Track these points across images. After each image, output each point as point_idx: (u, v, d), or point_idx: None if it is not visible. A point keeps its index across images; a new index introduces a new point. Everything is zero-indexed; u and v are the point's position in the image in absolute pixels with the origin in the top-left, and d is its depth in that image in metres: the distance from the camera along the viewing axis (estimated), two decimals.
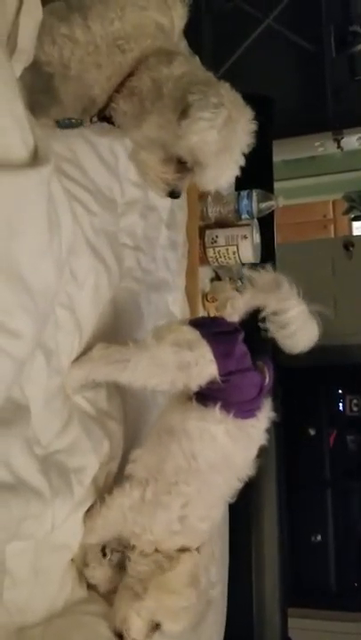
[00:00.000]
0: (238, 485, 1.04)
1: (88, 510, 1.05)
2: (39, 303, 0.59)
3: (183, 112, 0.78)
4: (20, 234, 0.54)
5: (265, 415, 1.03)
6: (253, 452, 1.03)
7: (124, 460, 1.19)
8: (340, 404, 3.14)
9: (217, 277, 1.79)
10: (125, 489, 1.03)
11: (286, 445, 2.98)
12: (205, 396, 1.00)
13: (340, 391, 3.16)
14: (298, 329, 1.03)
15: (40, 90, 0.88)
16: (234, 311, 1.05)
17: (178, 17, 0.90)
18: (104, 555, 1.08)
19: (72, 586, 1.07)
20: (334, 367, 3.23)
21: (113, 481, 1.16)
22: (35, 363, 0.89)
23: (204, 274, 1.71)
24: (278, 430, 2.54)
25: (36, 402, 0.90)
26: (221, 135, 0.79)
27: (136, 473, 1.05)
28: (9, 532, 0.72)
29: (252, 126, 0.85)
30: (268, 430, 1.05)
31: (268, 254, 1.78)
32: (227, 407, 0.98)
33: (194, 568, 0.97)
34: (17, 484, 0.74)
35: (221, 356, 0.98)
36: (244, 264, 1.67)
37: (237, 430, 0.99)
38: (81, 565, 1.09)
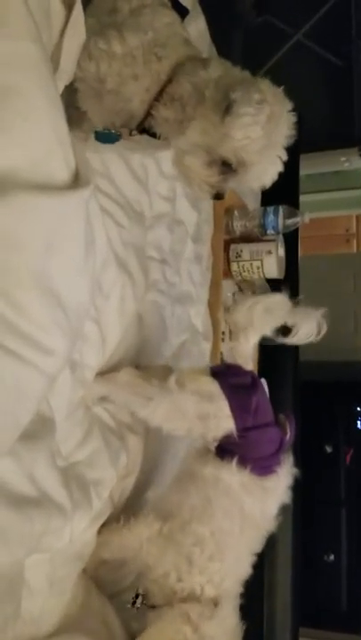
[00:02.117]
0: (258, 539, 1.02)
1: (106, 524, 1.05)
2: (72, 321, 0.60)
3: (226, 109, 0.78)
4: (57, 253, 0.54)
5: (286, 471, 1.02)
6: (273, 507, 1.02)
7: (142, 481, 1.20)
8: (358, 422, 3.10)
9: (240, 291, 1.79)
10: (148, 519, 1.02)
11: (302, 462, 2.95)
12: (224, 450, 1.01)
13: (358, 409, 3.13)
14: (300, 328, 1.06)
15: (72, 104, 0.89)
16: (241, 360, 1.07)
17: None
18: (133, 604, 1.06)
19: (83, 596, 1.07)
20: (354, 384, 3.20)
21: (128, 499, 1.16)
22: (61, 375, 0.90)
23: (228, 287, 1.71)
24: (294, 447, 2.52)
25: (60, 413, 0.90)
26: (265, 131, 0.79)
27: (160, 507, 1.05)
28: (30, 547, 0.73)
29: (293, 119, 0.85)
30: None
31: (292, 270, 1.78)
32: (244, 462, 0.98)
33: (178, 631, 0.89)
34: (41, 499, 0.74)
35: (239, 411, 0.98)
36: (268, 279, 1.67)
37: (254, 485, 0.99)
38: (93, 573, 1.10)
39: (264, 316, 1.06)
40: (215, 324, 1.56)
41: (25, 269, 0.52)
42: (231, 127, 0.78)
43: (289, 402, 2.26)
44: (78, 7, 0.69)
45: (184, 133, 0.82)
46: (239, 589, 1.04)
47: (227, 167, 0.83)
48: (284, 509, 2.26)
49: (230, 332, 1.60)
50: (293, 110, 2.12)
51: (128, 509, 1.16)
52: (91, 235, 0.59)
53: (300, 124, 2.30)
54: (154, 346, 1.23)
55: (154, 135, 0.88)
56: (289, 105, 0.84)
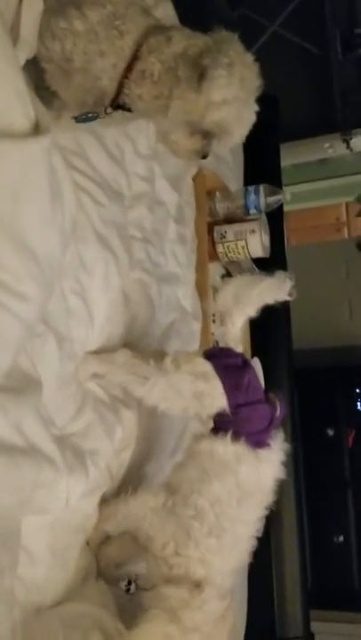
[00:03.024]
0: (257, 511, 1.05)
1: (108, 500, 1.10)
2: (45, 270, 0.62)
3: (200, 77, 0.82)
4: (24, 200, 0.57)
5: (278, 447, 1.06)
6: (269, 479, 1.06)
7: (139, 455, 1.22)
8: (358, 404, 3.13)
9: (228, 274, 1.81)
10: (154, 489, 1.08)
11: (305, 447, 2.98)
12: (218, 428, 1.06)
13: (357, 390, 3.15)
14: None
15: (42, 85, 0.92)
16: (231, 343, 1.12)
17: None
18: (127, 591, 1.10)
19: (86, 570, 1.10)
20: (350, 367, 3.23)
21: (127, 473, 1.19)
22: (46, 345, 0.93)
23: (215, 270, 1.74)
24: (295, 432, 2.55)
25: (49, 384, 0.93)
26: (240, 94, 0.84)
27: (169, 482, 1.09)
28: (21, 497, 0.75)
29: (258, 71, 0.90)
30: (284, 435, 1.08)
31: (278, 249, 1.80)
32: (237, 437, 1.02)
33: (164, 632, 0.89)
34: (29, 449, 0.76)
35: (231, 390, 1.03)
36: (253, 258, 1.69)
37: (248, 455, 1.03)
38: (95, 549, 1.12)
39: (241, 299, 1.11)
40: (204, 305, 1.59)
41: None
42: (209, 91, 0.82)
43: (284, 386, 2.28)
44: None
45: (166, 115, 0.86)
46: (245, 561, 1.06)
47: (208, 132, 0.89)
48: (286, 489, 2.28)
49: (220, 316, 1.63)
50: (273, 99, 2.16)
51: (127, 483, 1.19)
52: (57, 188, 0.62)
53: (278, 107, 2.34)
54: (143, 324, 1.26)
55: (129, 111, 0.91)
56: (253, 62, 0.88)
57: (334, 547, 2.91)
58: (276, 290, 1.09)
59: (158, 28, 0.88)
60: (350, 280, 3.57)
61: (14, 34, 0.68)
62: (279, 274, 1.09)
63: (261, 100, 0.94)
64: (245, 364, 1.08)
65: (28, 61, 0.84)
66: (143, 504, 1.05)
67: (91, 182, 1.08)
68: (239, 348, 1.11)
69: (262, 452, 1.04)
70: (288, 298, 1.09)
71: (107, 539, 1.14)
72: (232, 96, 0.83)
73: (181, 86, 0.86)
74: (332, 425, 3.10)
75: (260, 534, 1.06)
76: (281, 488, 2.19)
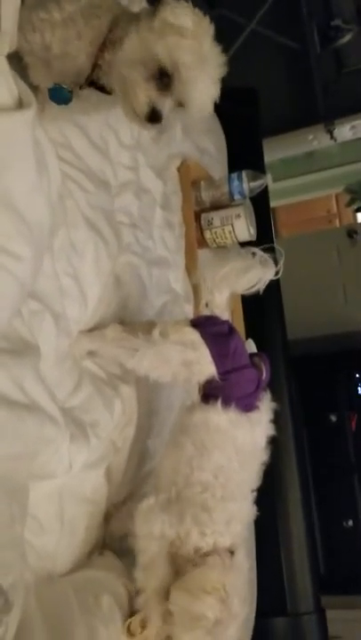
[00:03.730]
0: (256, 471, 1.09)
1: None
2: (35, 234, 0.68)
3: (157, 9, 0.85)
4: (11, 168, 0.63)
5: (266, 407, 1.11)
6: (262, 438, 1.10)
7: (142, 430, 1.27)
8: (359, 388, 3.17)
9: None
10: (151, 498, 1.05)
11: (308, 434, 3.02)
12: (207, 396, 1.10)
13: (357, 375, 3.19)
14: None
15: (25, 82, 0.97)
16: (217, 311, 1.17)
17: None
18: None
19: (96, 541, 1.15)
20: (349, 352, 3.27)
21: (131, 447, 1.24)
22: (44, 322, 0.99)
23: (205, 256, 1.79)
24: (296, 419, 2.59)
25: (48, 359, 0.98)
26: (194, 33, 0.84)
27: (160, 479, 1.09)
28: (27, 447, 0.80)
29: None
30: (282, 421, 1.12)
31: (265, 232, 1.86)
32: (228, 402, 1.06)
33: (218, 579, 0.92)
34: (32, 406, 0.82)
35: (219, 357, 1.07)
36: (241, 242, 1.75)
37: (241, 419, 1.07)
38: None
39: (234, 275, 1.15)
40: (195, 289, 1.64)
41: None
42: (164, 14, 0.84)
43: (281, 374, 2.32)
44: None
45: (122, 49, 0.87)
46: (250, 529, 1.09)
47: (164, 82, 0.87)
48: (292, 476, 2.31)
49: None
50: (256, 93, 2.19)
51: (132, 458, 1.24)
52: (42, 159, 0.68)
53: (257, 99, 2.40)
54: (135, 304, 1.31)
55: (102, 88, 0.94)
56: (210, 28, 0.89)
57: (344, 531, 2.94)
58: (264, 274, 1.14)
59: (130, 13, 0.94)
60: (343, 267, 3.61)
61: None
62: (265, 255, 1.13)
63: (241, 93, 0.97)
64: (231, 331, 1.12)
65: (9, 59, 0.90)
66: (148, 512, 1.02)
67: (77, 171, 1.14)
68: (225, 316, 1.16)
69: (253, 415, 1.09)
70: (276, 277, 1.13)
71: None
72: (187, 28, 0.84)
73: (140, 21, 0.88)
74: (335, 410, 3.13)
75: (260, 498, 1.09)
76: (288, 475, 2.24)
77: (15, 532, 0.78)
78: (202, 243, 1.76)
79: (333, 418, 3.16)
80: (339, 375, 3.24)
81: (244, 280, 1.15)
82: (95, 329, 1.16)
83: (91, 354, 1.15)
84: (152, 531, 0.99)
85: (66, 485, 1.03)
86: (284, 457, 2.21)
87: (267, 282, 1.15)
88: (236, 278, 1.15)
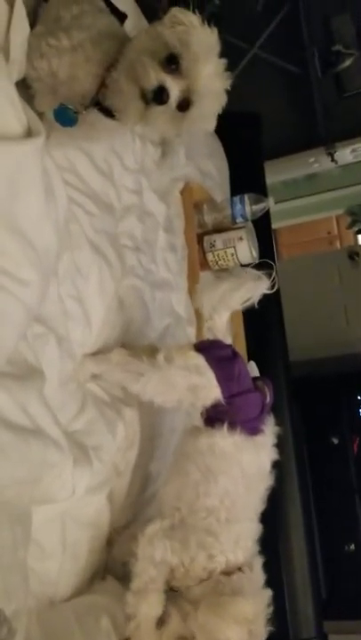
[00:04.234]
0: (262, 495, 1.09)
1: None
2: (42, 259, 0.69)
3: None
4: (20, 195, 0.64)
5: (271, 431, 1.11)
6: (267, 462, 1.10)
7: (145, 454, 1.27)
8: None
9: None
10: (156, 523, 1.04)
11: (310, 456, 3.00)
12: (212, 419, 1.09)
13: (359, 398, 3.18)
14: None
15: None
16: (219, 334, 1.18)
17: None
18: None
19: (98, 565, 1.14)
20: (351, 375, 3.26)
21: (134, 471, 1.23)
22: (48, 345, 0.99)
23: (207, 279, 1.80)
24: (298, 441, 2.58)
25: (52, 382, 0.98)
26: (203, 34, 0.85)
27: (164, 505, 1.09)
28: (32, 471, 0.80)
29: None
30: (284, 443, 1.13)
31: (267, 254, 1.87)
32: (233, 426, 1.06)
33: (252, 611, 0.91)
34: (36, 430, 0.82)
35: (224, 381, 1.07)
36: (243, 264, 1.76)
37: (247, 443, 1.06)
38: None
39: (225, 299, 1.17)
40: (197, 311, 1.64)
41: None
42: (173, 12, 0.85)
43: (283, 397, 2.32)
44: (18, 2, 0.80)
45: (132, 45, 0.87)
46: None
47: (174, 67, 0.85)
48: (294, 500, 2.29)
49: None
50: (258, 118, 2.21)
51: (134, 482, 1.24)
52: (50, 186, 0.69)
53: (260, 124, 2.43)
54: (138, 327, 1.31)
55: (107, 111, 0.94)
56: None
57: (346, 555, 2.90)
58: (257, 289, 1.15)
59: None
60: (344, 288, 3.62)
61: (4, 54, 0.76)
62: (255, 272, 1.15)
63: (243, 117, 0.98)
64: (235, 355, 1.13)
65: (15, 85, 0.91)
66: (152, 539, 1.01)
67: (82, 195, 1.15)
68: (228, 340, 1.16)
69: (258, 439, 1.08)
70: (269, 291, 1.14)
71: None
72: (195, 24, 0.84)
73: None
74: (337, 433, 3.11)
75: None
76: (289, 498, 2.21)
77: (18, 558, 0.77)
78: (204, 265, 1.77)
79: (335, 440, 3.13)
80: (341, 398, 3.22)
81: (237, 296, 1.16)
82: (99, 352, 1.17)
83: (95, 377, 1.15)
84: (153, 555, 0.98)
85: (68, 510, 1.02)
86: (286, 479, 2.19)
87: (260, 295, 1.16)
88: (230, 296, 1.16)
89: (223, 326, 1.19)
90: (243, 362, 1.14)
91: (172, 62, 0.85)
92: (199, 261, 1.72)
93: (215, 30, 0.90)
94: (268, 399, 1.12)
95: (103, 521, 1.15)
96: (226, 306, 1.17)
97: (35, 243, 0.67)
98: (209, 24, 0.90)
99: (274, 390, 1.16)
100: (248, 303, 1.17)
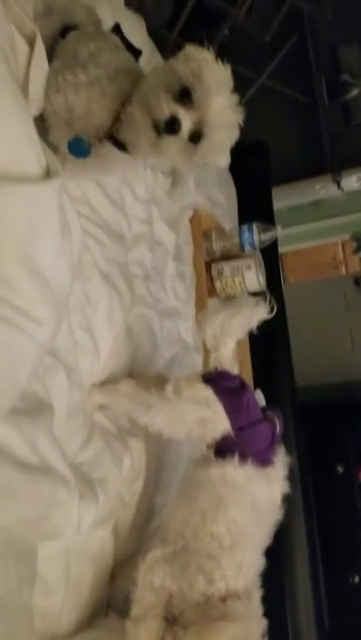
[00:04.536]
0: (270, 528, 1.07)
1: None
2: (57, 297, 0.69)
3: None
4: (38, 234, 0.64)
5: (281, 462, 1.10)
6: (278, 495, 1.08)
7: (150, 485, 1.26)
8: None
9: None
10: (158, 550, 1.03)
11: (315, 484, 2.96)
12: (223, 451, 1.08)
13: None
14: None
15: (45, 142, 0.99)
16: (226, 365, 1.17)
17: None
18: None
19: (101, 602, 1.11)
20: (357, 401, 3.24)
21: (139, 503, 1.22)
22: (57, 377, 0.99)
23: (214, 305, 1.80)
24: (305, 470, 2.55)
25: (60, 414, 0.98)
26: (216, 66, 0.86)
27: (168, 533, 1.07)
28: (40, 511, 0.79)
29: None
30: (291, 472, 1.12)
31: (274, 282, 1.87)
32: (244, 457, 1.05)
33: (240, 634, 0.89)
34: (44, 467, 0.81)
35: (233, 413, 1.07)
36: (251, 292, 1.76)
37: (258, 474, 1.05)
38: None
39: (227, 328, 1.17)
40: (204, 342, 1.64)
41: (13, 251, 0.62)
42: (187, 49, 0.86)
43: (289, 422, 2.31)
44: (39, 42, 0.81)
45: (145, 78, 0.88)
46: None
47: (186, 100, 0.86)
48: (298, 529, 2.26)
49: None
50: (267, 148, 2.24)
51: (140, 513, 1.22)
52: (66, 223, 0.69)
53: (268, 153, 2.46)
54: (146, 355, 1.31)
55: (120, 144, 0.95)
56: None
57: (350, 587, 2.85)
58: (255, 314, 1.15)
59: None
60: (350, 314, 3.63)
61: (23, 91, 0.77)
62: (252, 298, 1.16)
63: (252, 147, 0.98)
64: (243, 386, 1.12)
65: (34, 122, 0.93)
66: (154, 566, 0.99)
67: (94, 225, 1.16)
68: (235, 370, 1.16)
69: (269, 470, 1.07)
70: (268, 316, 1.14)
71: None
72: (208, 60, 0.85)
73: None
74: (342, 461, 3.08)
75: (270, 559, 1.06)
76: (293, 527, 2.18)
77: (23, 598, 0.76)
78: (212, 292, 1.77)
79: (340, 469, 3.10)
80: (346, 425, 3.19)
81: (235, 323, 1.16)
82: (107, 381, 1.16)
83: (102, 407, 1.14)
84: (153, 581, 0.96)
85: (73, 544, 1.01)
86: (291, 510, 2.16)
87: (260, 320, 1.16)
88: (229, 324, 1.16)
89: (229, 356, 1.19)
90: (251, 392, 1.13)
91: (184, 95, 0.86)
92: (207, 289, 1.72)
93: (228, 66, 0.91)
94: (278, 430, 1.11)
95: (107, 554, 1.13)
96: (228, 334, 1.17)
97: (50, 280, 0.67)
98: (220, 57, 0.91)
99: (280, 419, 1.15)
100: (247, 328, 1.17)
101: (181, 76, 0.86)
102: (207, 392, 1.08)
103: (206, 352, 1.60)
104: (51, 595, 0.98)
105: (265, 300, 1.15)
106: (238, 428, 1.07)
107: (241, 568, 0.97)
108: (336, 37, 3.39)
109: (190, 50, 0.88)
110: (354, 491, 3.02)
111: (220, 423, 1.07)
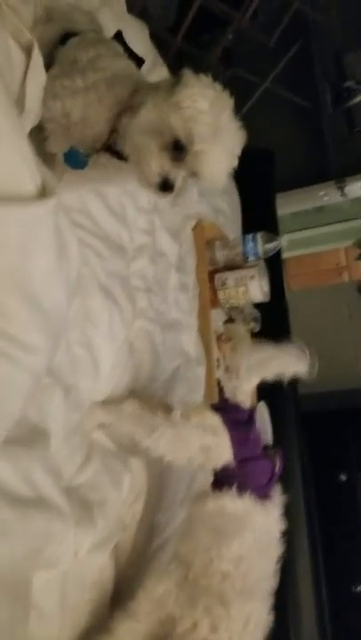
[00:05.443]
0: (275, 563, 1.04)
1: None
2: (52, 322, 0.65)
3: (176, 81, 0.83)
4: (31, 257, 0.61)
5: (278, 501, 1.08)
6: (276, 531, 1.06)
7: (151, 504, 1.22)
8: None
9: (230, 319, 1.84)
10: (172, 566, 1.02)
11: (318, 493, 2.93)
12: (220, 482, 1.06)
13: None
14: None
15: (43, 150, 0.97)
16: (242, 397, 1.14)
17: None
18: None
19: (101, 626, 1.08)
20: (360, 409, 3.21)
21: (140, 524, 1.18)
22: (54, 397, 0.95)
23: (217, 316, 1.77)
24: (307, 478, 2.52)
25: (57, 435, 0.94)
26: (212, 109, 0.83)
27: (178, 554, 1.05)
28: (32, 548, 0.75)
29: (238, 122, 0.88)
30: (292, 482, 1.10)
31: (277, 293, 1.84)
32: (243, 490, 1.03)
33: None
34: (39, 501, 0.77)
35: (238, 444, 1.05)
36: (254, 303, 1.73)
37: (258, 508, 1.03)
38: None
39: (262, 366, 1.14)
40: (208, 350, 1.61)
41: (5, 276, 0.59)
42: (180, 95, 0.82)
43: (292, 433, 2.28)
44: (36, 51, 0.78)
45: (138, 114, 0.85)
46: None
47: (178, 152, 0.85)
48: (300, 538, 2.23)
49: (227, 366, 1.66)
50: (269, 152, 2.22)
51: (140, 534, 1.19)
52: (63, 246, 0.66)
53: (273, 160, 2.43)
54: (148, 370, 1.28)
55: (118, 154, 0.92)
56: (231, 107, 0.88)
57: (353, 596, 2.81)
58: (293, 366, 1.13)
59: (150, 82, 0.94)
60: (353, 322, 3.60)
61: (19, 104, 0.74)
62: (298, 350, 1.13)
63: (256, 154, 0.96)
64: (250, 420, 1.10)
65: (31, 131, 0.90)
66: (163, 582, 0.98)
67: (94, 237, 1.13)
68: (247, 403, 1.13)
69: (268, 504, 1.04)
70: (307, 375, 1.13)
71: None
72: (203, 108, 0.83)
73: (159, 89, 0.87)
74: (345, 470, 3.05)
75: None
76: (294, 536, 2.15)
77: (16, 637, 0.72)
78: (215, 302, 1.74)
79: (343, 477, 3.06)
80: (349, 433, 3.16)
81: (272, 366, 1.14)
82: (107, 399, 1.13)
83: (102, 426, 1.11)
84: (156, 589, 0.95)
85: (69, 571, 0.97)
86: (293, 517, 2.13)
87: (295, 373, 1.14)
88: (266, 365, 1.14)
89: (249, 391, 1.16)
90: (256, 428, 1.11)
91: (177, 147, 0.85)
92: (210, 299, 1.69)
93: (231, 96, 0.89)
94: (277, 468, 1.09)
95: (106, 578, 1.09)
96: (259, 373, 1.15)
97: (45, 305, 0.64)
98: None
99: (284, 428, 1.13)
100: (280, 375, 1.15)
101: (173, 127, 0.84)
102: (215, 420, 1.06)
103: (210, 364, 1.57)
104: (47, 623, 0.94)
105: (308, 356, 1.13)
106: (240, 460, 1.05)
107: (249, 624, 0.93)
108: (341, 43, 3.37)
109: (183, 99, 0.83)
110: (357, 499, 3.00)
111: (223, 453, 1.05)
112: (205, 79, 0.86)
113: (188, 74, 0.85)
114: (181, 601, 0.94)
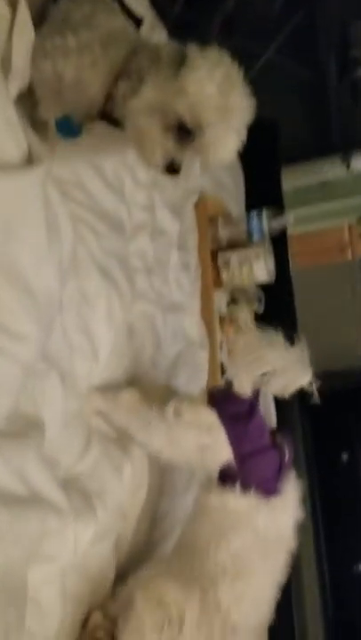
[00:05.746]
0: (281, 563, 1.01)
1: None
2: (43, 306, 0.59)
3: (181, 62, 0.77)
4: (18, 235, 0.54)
5: (292, 489, 1.02)
6: (288, 525, 1.01)
7: (152, 494, 1.18)
8: None
9: (233, 301, 1.78)
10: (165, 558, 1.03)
11: (319, 473, 2.91)
12: (225, 477, 1.01)
13: None
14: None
15: (35, 118, 0.89)
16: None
17: None
18: None
19: None
20: None
21: (142, 513, 1.14)
22: (48, 383, 0.89)
23: (220, 297, 1.71)
24: (309, 458, 2.49)
25: (54, 423, 0.90)
26: (221, 91, 0.78)
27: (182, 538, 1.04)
28: (28, 549, 0.71)
29: (248, 97, 0.83)
30: (295, 459, 1.05)
31: (282, 273, 1.77)
32: (246, 486, 0.98)
33: None
34: (33, 498, 0.73)
35: (236, 440, 0.99)
36: (258, 283, 1.66)
37: (262, 506, 0.98)
38: None
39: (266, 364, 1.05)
40: (211, 332, 1.55)
41: None
42: (185, 80, 0.76)
43: (294, 414, 2.25)
44: (22, 5, 0.70)
45: (139, 92, 0.79)
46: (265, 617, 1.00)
47: (183, 134, 0.80)
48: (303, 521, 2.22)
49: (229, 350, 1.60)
50: (276, 126, 2.14)
51: (142, 523, 1.14)
52: (53, 220, 0.59)
53: (278, 133, 2.35)
54: (148, 356, 1.22)
55: (115, 121, 0.86)
56: (242, 82, 0.83)
57: (355, 576, 2.81)
58: (299, 377, 1.07)
59: (148, 44, 0.87)
60: (357, 301, 3.56)
61: (6, 63, 0.66)
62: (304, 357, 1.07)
63: (261, 125, 0.90)
64: (251, 411, 1.03)
65: (21, 96, 0.82)
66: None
67: (90, 213, 1.06)
68: (247, 389, 1.05)
69: (276, 500, 0.99)
70: (306, 386, 1.07)
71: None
72: (211, 92, 0.77)
73: (161, 63, 0.82)
74: (347, 449, 3.04)
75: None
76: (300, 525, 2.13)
77: None
78: (218, 282, 1.67)
79: (345, 457, 3.05)
80: (351, 413, 3.15)
81: (277, 380, 1.05)
82: (106, 384, 1.08)
83: (100, 413, 1.06)
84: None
85: (69, 563, 0.93)
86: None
87: (298, 387, 1.07)
88: (270, 378, 1.04)
89: (248, 384, 1.07)
90: (260, 417, 1.05)
91: (182, 129, 0.80)
92: (213, 279, 1.62)
93: (240, 69, 0.83)
94: (286, 457, 1.03)
95: (107, 569, 1.06)
96: (258, 370, 1.05)
97: (34, 288, 0.58)
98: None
99: (286, 408, 1.06)
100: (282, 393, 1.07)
101: (178, 110, 0.79)
102: (210, 417, 1.00)
103: (213, 348, 1.51)
104: (47, 617, 0.91)
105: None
106: (241, 456, 1.00)
107: (241, 601, 0.91)
108: (347, 13, 3.24)
109: (187, 79, 0.77)
110: (359, 479, 2.99)
111: (220, 452, 1.00)
112: (212, 55, 0.80)
113: (193, 53, 0.78)
114: (179, 592, 0.91)
